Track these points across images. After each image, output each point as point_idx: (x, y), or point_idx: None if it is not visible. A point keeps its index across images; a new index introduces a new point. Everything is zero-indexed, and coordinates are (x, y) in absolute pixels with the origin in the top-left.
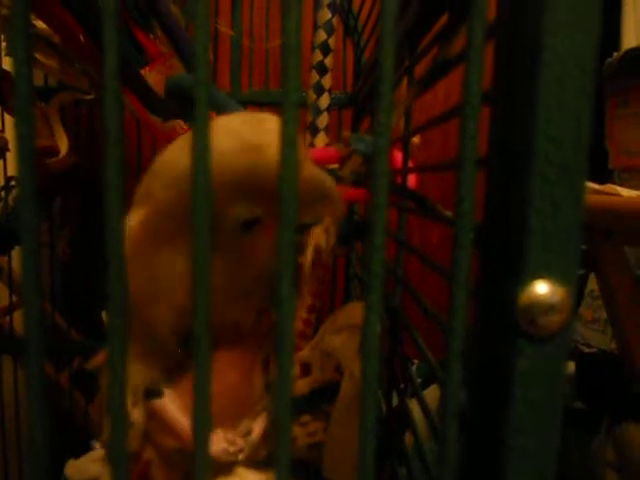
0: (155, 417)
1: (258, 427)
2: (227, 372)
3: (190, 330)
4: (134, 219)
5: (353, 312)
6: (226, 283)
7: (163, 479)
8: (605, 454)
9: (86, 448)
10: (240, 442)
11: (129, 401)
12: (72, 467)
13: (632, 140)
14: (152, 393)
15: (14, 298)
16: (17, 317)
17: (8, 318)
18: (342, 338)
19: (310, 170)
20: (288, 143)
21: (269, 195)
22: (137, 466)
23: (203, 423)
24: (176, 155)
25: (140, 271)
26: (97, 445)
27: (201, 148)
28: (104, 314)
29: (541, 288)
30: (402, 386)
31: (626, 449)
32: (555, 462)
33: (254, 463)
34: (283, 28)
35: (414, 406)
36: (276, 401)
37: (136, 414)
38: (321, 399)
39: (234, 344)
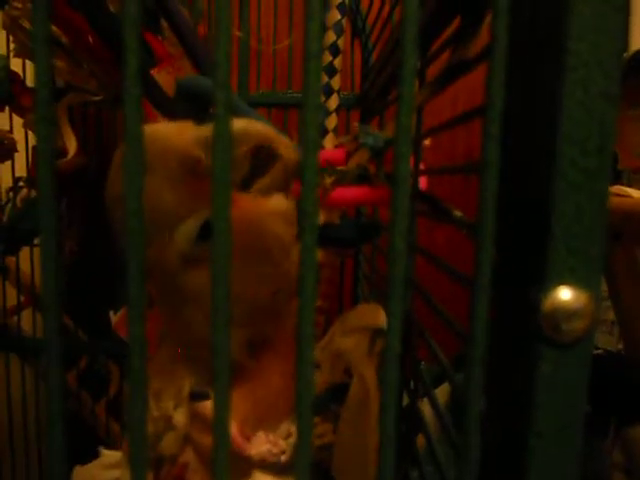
0: (199, 418)
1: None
2: (270, 379)
3: (247, 337)
4: None
5: (363, 314)
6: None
7: None
8: (613, 457)
9: (93, 452)
10: (282, 444)
11: (171, 404)
12: (80, 474)
13: None
14: (198, 395)
15: (21, 298)
16: (25, 316)
17: (16, 318)
18: (352, 340)
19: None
20: (309, 146)
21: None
22: (173, 469)
23: (222, 425)
24: None
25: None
26: (105, 451)
27: (222, 154)
28: (112, 314)
29: (565, 294)
30: (412, 387)
31: (634, 451)
32: (578, 467)
33: (280, 468)
34: (306, 33)
35: (423, 407)
36: (296, 406)
37: (179, 417)
38: (330, 401)
39: (278, 349)
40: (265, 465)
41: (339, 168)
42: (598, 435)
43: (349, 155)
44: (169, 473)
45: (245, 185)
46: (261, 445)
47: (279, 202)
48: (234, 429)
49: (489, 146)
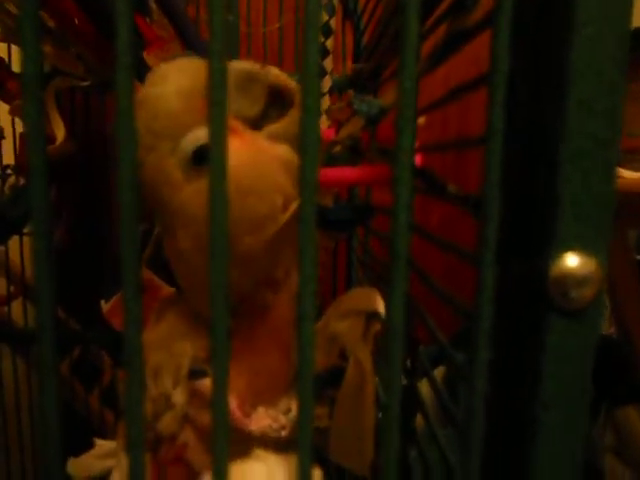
0: (197, 396)
1: (297, 405)
2: (268, 351)
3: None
4: None
5: (358, 297)
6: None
7: (200, 461)
8: (604, 439)
9: (87, 442)
10: (282, 419)
11: (169, 383)
12: (75, 464)
13: (634, 121)
14: (197, 373)
15: (11, 288)
16: (15, 307)
17: (6, 308)
18: (347, 323)
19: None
20: (309, 114)
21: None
22: (172, 449)
23: (222, 400)
24: None
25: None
26: (99, 441)
27: (218, 126)
28: (103, 303)
29: (572, 260)
30: (410, 367)
31: (625, 434)
32: (584, 438)
33: (279, 445)
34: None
35: (421, 387)
36: (297, 385)
37: (178, 396)
38: (326, 384)
39: (272, 323)
40: (266, 441)
41: (330, 141)
42: (590, 417)
43: (341, 125)
44: (168, 453)
45: (255, 125)
46: (261, 420)
47: (285, 150)
48: (233, 404)
49: (494, 112)
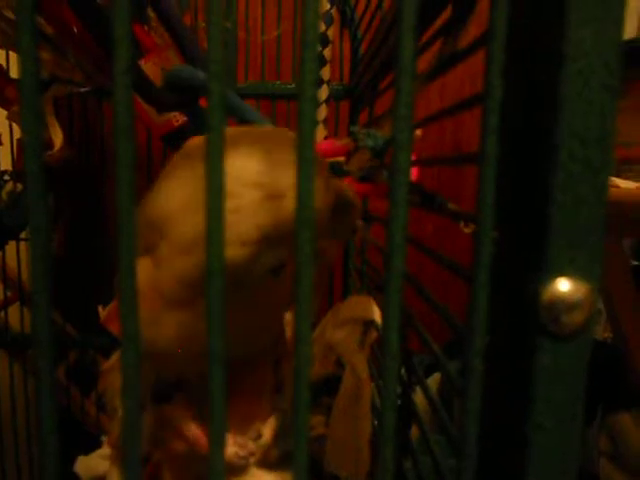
0: (163, 421)
1: (269, 429)
2: (239, 379)
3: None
4: (143, 273)
5: (355, 306)
6: (247, 323)
7: None
8: (599, 443)
9: (83, 446)
10: (250, 445)
11: None
12: (82, 464)
13: (630, 132)
14: (161, 397)
15: (8, 293)
16: (12, 312)
17: (3, 313)
18: (343, 332)
19: (335, 182)
20: (305, 138)
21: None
22: (147, 467)
23: (218, 429)
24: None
25: (151, 326)
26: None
27: (216, 159)
28: (100, 308)
29: (564, 285)
30: (405, 377)
31: (620, 439)
32: (577, 459)
33: (268, 464)
34: (303, 22)
35: (415, 396)
36: (294, 401)
37: (144, 417)
38: (321, 393)
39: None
40: (233, 469)
41: (341, 163)
42: (585, 421)
43: (349, 156)
44: (142, 471)
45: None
46: (228, 448)
47: None
48: (198, 430)
49: (488, 137)
